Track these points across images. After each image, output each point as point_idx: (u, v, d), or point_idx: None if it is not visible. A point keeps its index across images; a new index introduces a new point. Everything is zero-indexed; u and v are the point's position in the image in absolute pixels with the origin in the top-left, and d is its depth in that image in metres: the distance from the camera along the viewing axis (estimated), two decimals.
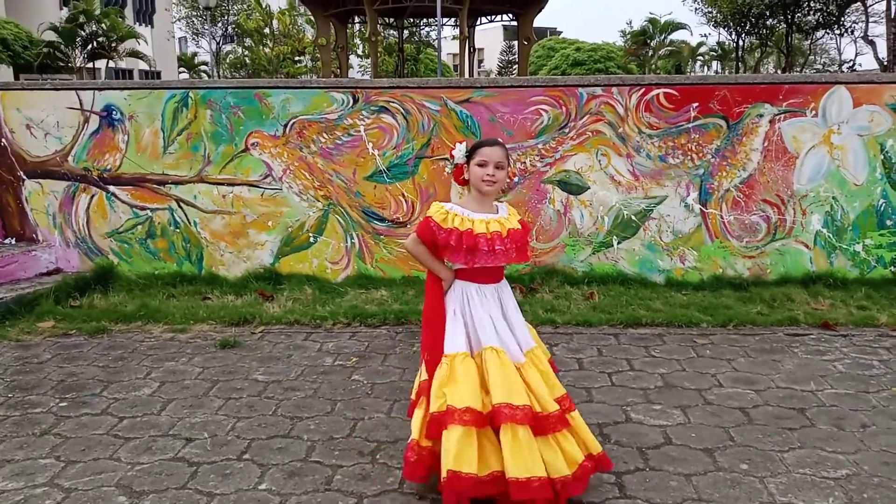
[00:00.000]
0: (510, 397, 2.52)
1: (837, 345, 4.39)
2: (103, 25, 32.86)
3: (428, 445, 2.66)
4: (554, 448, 2.56)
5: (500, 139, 3.17)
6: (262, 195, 5.75)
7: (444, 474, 2.47)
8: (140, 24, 43.20)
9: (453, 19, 20.86)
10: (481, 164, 2.69)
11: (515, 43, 33.25)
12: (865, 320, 4.77)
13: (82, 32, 32.43)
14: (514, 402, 2.51)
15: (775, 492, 2.74)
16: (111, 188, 5.83)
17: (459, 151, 2.78)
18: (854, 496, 2.69)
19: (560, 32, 61.26)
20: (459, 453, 2.46)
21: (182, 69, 47.50)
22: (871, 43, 29.82)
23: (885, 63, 27.48)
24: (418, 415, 2.74)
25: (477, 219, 2.67)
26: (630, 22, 49.37)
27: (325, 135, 5.63)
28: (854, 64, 37.10)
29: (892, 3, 26.64)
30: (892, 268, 5.58)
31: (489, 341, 2.63)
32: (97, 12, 32.66)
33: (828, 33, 35.86)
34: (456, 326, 2.68)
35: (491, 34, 55.97)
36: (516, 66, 34.75)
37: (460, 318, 2.69)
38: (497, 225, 2.68)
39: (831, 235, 5.57)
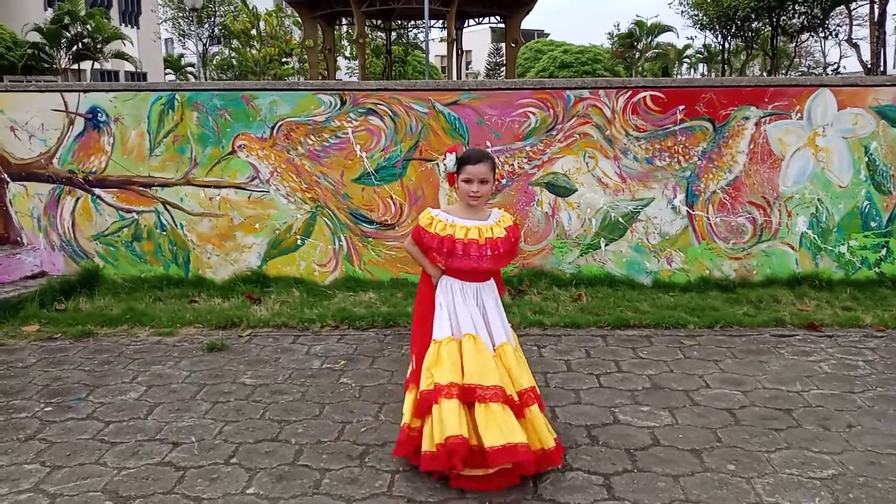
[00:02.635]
0: (483, 379, 2.79)
1: (823, 345, 4.42)
2: (88, 27, 32.62)
3: (416, 426, 2.88)
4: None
5: (485, 151, 3.21)
6: (249, 197, 5.73)
7: (432, 448, 2.73)
8: (126, 26, 42.92)
9: (441, 21, 20.87)
10: (467, 181, 2.97)
11: (503, 45, 33.29)
12: (850, 321, 4.81)
13: (67, 33, 32.17)
14: (485, 383, 2.77)
15: (762, 492, 2.75)
16: (97, 191, 5.78)
17: (450, 161, 3.00)
18: (840, 496, 2.71)
19: (547, 35, 61.45)
20: (449, 420, 2.69)
21: (168, 71, 47.22)
22: (855, 46, 30.13)
23: (869, 66, 27.75)
24: (408, 399, 2.99)
25: (459, 224, 2.96)
26: (617, 24, 49.65)
27: (312, 137, 5.62)
28: (838, 67, 37.45)
29: (876, 6, 26.91)
30: (876, 269, 5.63)
31: (467, 329, 2.91)
32: (82, 13, 32.42)
33: (812, 36, 36.22)
34: (442, 316, 2.96)
35: (478, 36, 56.05)
36: (504, 68, 34.81)
37: (446, 310, 2.97)
38: (476, 232, 2.95)
39: (816, 237, 5.61)
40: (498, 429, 2.68)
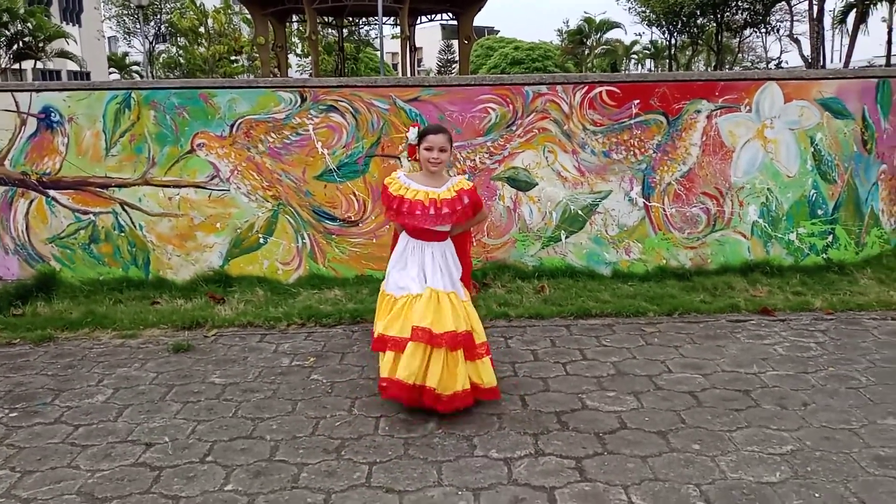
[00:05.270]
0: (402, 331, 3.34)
1: (776, 329, 4.60)
2: (29, 25, 31.61)
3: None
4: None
5: (443, 126, 3.63)
6: (209, 197, 5.67)
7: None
8: (67, 24, 41.68)
9: (393, 18, 20.82)
10: (428, 149, 3.38)
11: (454, 42, 33.31)
12: (801, 305, 5.01)
13: (7, 32, 31.13)
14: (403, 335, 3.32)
15: (726, 469, 2.88)
16: (51, 192, 5.66)
17: (412, 134, 3.48)
18: (799, 469, 2.86)
19: (497, 31, 61.74)
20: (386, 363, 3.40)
21: (112, 70, 46.02)
22: (796, 41, 31.04)
23: (810, 60, 28.65)
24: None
25: (413, 188, 3.37)
26: (567, 21, 50.13)
27: (272, 134, 5.59)
28: (780, 61, 38.54)
29: (814, 3, 27.78)
30: (823, 255, 5.86)
31: (401, 291, 3.41)
32: (21, 11, 31.39)
33: (755, 32, 37.20)
34: (393, 266, 3.51)
35: (429, 33, 55.88)
36: (456, 64, 34.85)
37: (397, 260, 3.50)
38: (424, 195, 3.34)
39: (767, 225, 5.82)
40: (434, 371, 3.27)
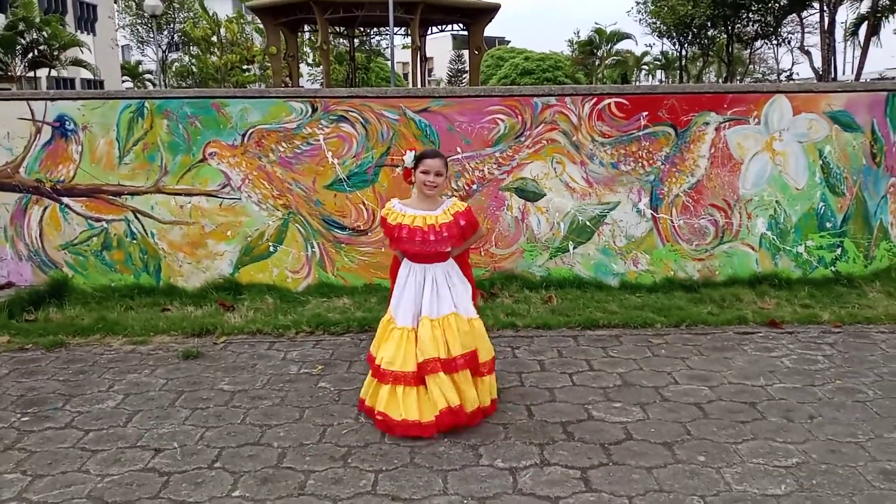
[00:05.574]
0: (404, 366, 3.36)
1: (784, 342, 4.60)
2: (44, 34, 31.95)
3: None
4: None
5: (440, 150, 3.67)
6: (220, 205, 5.73)
7: (371, 404, 3.47)
8: (82, 32, 42.11)
9: (404, 28, 20.97)
10: (424, 172, 3.40)
11: (465, 52, 33.47)
12: (809, 318, 5.00)
13: (22, 40, 31.46)
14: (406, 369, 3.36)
15: (731, 481, 2.89)
16: (65, 200, 5.73)
17: (409, 157, 3.49)
18: (804, 482, 2.86)
19: (508, 42, 61.96)
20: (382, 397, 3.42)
21: (125, 78, 46.44)
22: (807, 53, 30.98)
23: (820, 72, 28.59)
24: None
25: (409, 214, 3.42)
26: (577, 32, 50.19)
27: (283, 144, 5.65)
28: (791, 73, 38.47)
29: (826, 15, 27.75)
30: (832, 268, 5.85)
31: (404, 321, 3.41)
32: (37, 20, 31.74)
33: (766, 43, 37.17)
34: (395, 294, 3.51)
35: (440, 43, 56.15)
36: (466, 74, 35.00)
37: (399, 288, 3.49)
38: (422, 220, 3.39)
39: (775, 238, 5.82)
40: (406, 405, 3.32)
